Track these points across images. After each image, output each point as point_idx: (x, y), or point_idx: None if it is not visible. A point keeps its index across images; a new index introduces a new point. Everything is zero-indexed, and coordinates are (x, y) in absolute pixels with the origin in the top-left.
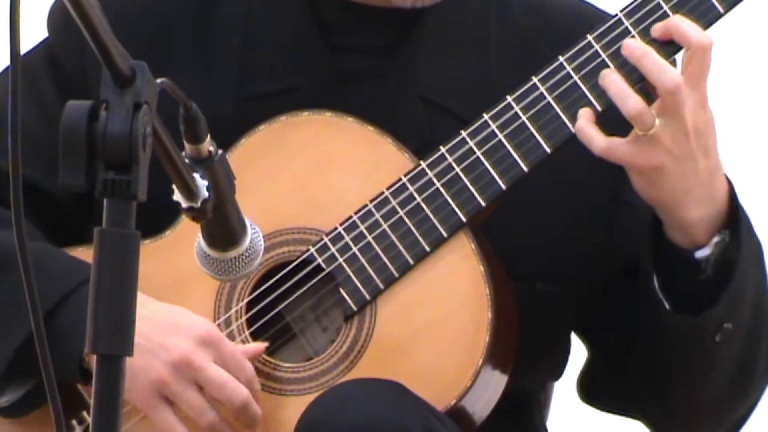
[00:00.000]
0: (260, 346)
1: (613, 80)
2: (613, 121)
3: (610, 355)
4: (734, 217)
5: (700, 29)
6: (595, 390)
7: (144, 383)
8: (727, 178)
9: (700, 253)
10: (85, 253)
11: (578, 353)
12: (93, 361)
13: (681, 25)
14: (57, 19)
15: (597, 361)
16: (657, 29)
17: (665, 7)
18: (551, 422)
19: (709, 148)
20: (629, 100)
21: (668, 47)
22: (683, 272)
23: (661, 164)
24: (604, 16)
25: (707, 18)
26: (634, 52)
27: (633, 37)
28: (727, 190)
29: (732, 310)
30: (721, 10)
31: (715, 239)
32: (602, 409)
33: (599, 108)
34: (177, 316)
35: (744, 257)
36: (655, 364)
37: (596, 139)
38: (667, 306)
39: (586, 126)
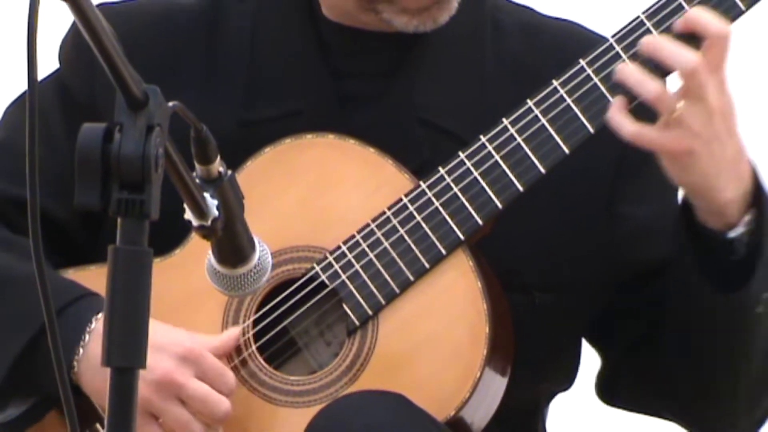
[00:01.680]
0: (236, 330)
1: (630, 71)
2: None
3: (630, 355)
4: (759, 195)
5: (718, 19)
6: (618, 391)
7: None
8: (749, 158)
9: (733, 233)
10: (95, 273)
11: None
12: (80, 376)
13: (700, 16)
14: (68, 50)
15: (616, 364)
16: (678, 24)
17: (655, 33)
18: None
19: (732, 129)
20: (648, 84)
21: (689, 43)
22: (717, 255)
23: (691, 147)
24: (594, 37)
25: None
26: (650, 46)
27: (624, 61)
28: (751, 170)
29: None
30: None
31: (746, 218)
32: (625, 409)
33: (591, 130)
34: (158, 334)
35: None
36: (693, 351)
37: (626, 125)
38: (710, 286)
39: (616, 113)
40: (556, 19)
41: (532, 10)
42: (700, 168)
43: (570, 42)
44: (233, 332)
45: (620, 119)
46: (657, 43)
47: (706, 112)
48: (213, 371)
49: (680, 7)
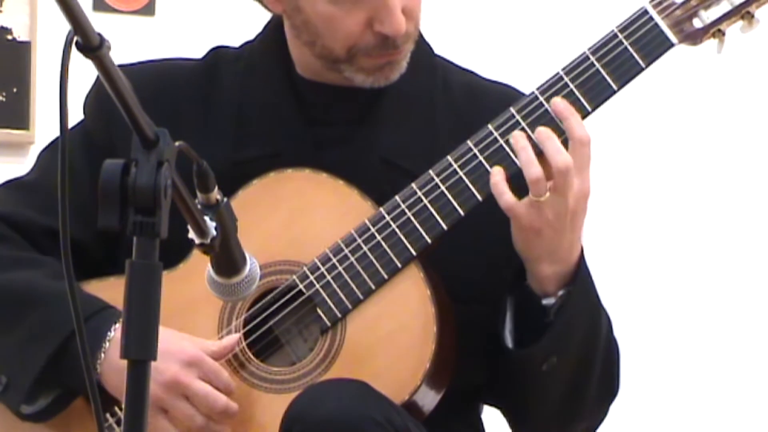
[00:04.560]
0: (234, 338)
1: (524, 147)
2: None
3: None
4: (576, 278)
5: (583, 126)
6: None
7: None
8: (580, 247)
9: (546, 301)
10: (114, 283)
11: None
12: (102, 376)
13: (570, 120)
14: (90, 104)
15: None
16: (554, 112)
17: (571, 86)
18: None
19: (577, 225)
20: (533, 167)
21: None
22: (533, 314)
23: (541, 229)
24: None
25: (603, 96)
26: (541, 135)
27: (545, 110)
28: (578, 258)
29: (557, 348)
30: (615, 87)
31: (561, 292)
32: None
33: (518, 164)
34: (168, 342)
35: (571, 309)
36: (508, 381)
37: (505, 195)
38: (509, 343)
39: (500, 183)
40: (495, 82)
41: (474, 73)
42: (540, 246)
43: (504, 101)
44: (232, 339)
45: (502, 188)
46: (545, 136)
47: (564, 208)
48: (212, 372)
49: (593, 65)
